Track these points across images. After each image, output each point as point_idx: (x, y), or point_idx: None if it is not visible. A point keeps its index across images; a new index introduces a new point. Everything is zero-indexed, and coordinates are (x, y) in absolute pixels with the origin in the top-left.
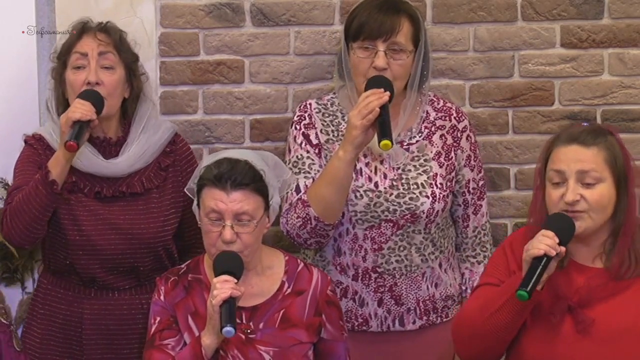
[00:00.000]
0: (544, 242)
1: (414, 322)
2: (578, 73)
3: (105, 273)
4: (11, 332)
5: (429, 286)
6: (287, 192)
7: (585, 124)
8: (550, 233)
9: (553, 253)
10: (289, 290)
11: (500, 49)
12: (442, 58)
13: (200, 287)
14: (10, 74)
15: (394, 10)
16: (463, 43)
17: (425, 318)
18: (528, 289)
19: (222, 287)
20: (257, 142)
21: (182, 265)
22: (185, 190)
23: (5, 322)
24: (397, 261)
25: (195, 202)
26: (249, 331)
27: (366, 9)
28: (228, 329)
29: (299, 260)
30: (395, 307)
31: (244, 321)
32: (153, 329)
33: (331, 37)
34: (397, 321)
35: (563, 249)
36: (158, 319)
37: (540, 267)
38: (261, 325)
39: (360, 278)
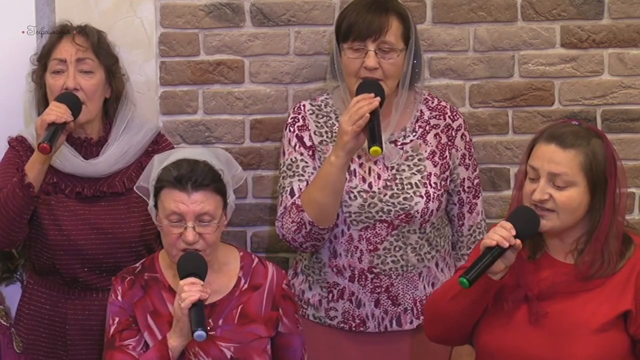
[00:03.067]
0: (499, 233)
1: (411, 322)
2: (578, 73)
3: (88, 273)
4: (11, 334)
5: (426, 286)
6: (282, 195)
7: (575, 123)
8: (508, 225)
9: (506, 245)
10: (246, 286)
11: (500, 49)
12: (442, 58)
13: (158, 286)
14: (10, 74)
15: (383, 9)
16: (463, 43)
17: (422, 317)
18: (468, 276)
19: (190, 289)
20: (257, 142)
21: (137, 264)
22: (134, 188)
23: (5, 323)
24: (393, 261)
25: (151, 203)
26: (208, 328)
27: (355, 10)
28: (200, 333)
29: (253, 256)
30: (392, 307)
31: None
32: (112, 329)
33: (331, 37)
34: (394, 321)
35: (518, 241)
36: (117, 319)
37: (489, 257)
38: (220, 322)
39: (356, 279)
